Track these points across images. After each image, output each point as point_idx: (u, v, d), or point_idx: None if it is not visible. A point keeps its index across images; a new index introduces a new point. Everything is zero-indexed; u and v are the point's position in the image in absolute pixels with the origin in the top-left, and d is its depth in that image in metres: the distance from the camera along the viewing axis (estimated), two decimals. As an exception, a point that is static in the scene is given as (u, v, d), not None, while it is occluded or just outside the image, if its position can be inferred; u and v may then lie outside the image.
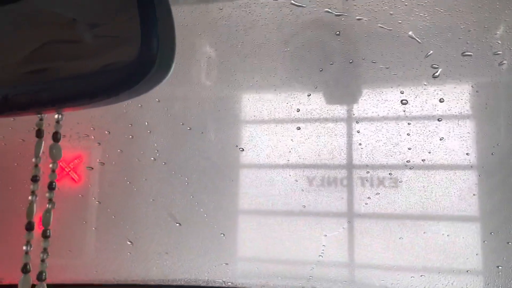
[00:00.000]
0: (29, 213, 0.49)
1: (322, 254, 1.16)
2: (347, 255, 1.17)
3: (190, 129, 1.17)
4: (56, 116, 0.51)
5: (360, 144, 1.06)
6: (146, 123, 1.22)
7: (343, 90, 1.05)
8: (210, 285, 1.20)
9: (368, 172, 1.08)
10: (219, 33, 1.10)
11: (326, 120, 1.10)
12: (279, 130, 1.14)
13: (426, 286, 1.11)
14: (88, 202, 1.32)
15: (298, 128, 1.07)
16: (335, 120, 1.09)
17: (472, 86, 1.02)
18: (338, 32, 0.95)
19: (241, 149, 1.15)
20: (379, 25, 0.92)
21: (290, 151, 1.14)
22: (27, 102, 0.43)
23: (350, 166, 1.12)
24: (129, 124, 1.21)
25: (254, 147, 1.19)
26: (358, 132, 1.06)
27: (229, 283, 1.17)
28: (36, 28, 0.45)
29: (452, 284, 1.10)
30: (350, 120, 1.08)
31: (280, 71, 1.09)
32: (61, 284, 1.24)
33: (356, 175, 1.11)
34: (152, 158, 1.21)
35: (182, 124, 1.20)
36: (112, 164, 1.27)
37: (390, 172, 1.07)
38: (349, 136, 1.08)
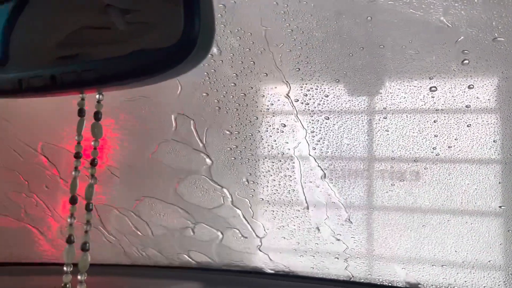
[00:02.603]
0: (73, 187, 0.52)
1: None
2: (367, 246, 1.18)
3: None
4: (97, 96, 0.53)
5: (387, 131, 1.06)
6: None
7: (371, 76, 1.05)
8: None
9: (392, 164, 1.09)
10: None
11: (349, 109, 1.11)
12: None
13: (449, 277, 1.12)
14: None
15: (327, 118, 1.08)
16: (359, 107, 1.09)
17: (502, 72, 1.00)
18: (369, 17, 0.95)
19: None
20: (411, 10, 0.91)
21: (318, 142, 1.15)
22: (74, 81, 0.45)
23: (371, 157, 1.12)
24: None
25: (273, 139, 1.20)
26: (385, 118, 1.06)
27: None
28: (77, 11, 0.48)
29: (473, 275, 1.10)
30: (374, 107, 1.08)
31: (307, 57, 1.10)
32: (102, 263, 1.29)
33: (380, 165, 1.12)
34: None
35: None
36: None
37: (415, 159, 1.07)
38: (374, 123, 1.08)
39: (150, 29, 0.43)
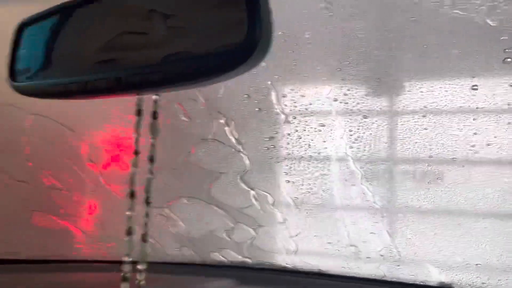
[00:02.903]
0: (132, 182, 0.56)
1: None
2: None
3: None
4: (154, 97, 0.57)
5: (425, 129, 1.07)
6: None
7: (412, 76, 1.06)
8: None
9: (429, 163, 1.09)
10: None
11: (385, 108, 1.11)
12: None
13: (483, 276, 1.11)
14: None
15: (365, 117, 1.10)
16: (398, 106, 1.10)
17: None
18: (414, 18, 0.97)
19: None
20: (455, 10, 0.92)
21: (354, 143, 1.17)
22: (139, 82, 0.49)
23: (408, 156, 1.13)
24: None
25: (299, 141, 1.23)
26: (424, 116, 1.07)
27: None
28: (144, 17, 0.51)
29: (508, 275, 1.09)
30: (414, 106, 1.08)
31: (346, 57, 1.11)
32: (159, 262, 1.34)
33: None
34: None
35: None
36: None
37: (453, 158, 1.08)
38: (413, 121, 1.09)
39: (213, 32, 0.46)
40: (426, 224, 1.16)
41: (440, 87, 1.05)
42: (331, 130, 1.16)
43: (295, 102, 1.17)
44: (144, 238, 0.53)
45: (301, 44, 1.11)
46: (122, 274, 0.54)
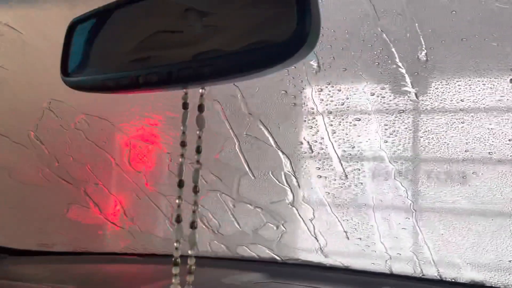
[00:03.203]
0: (180, 172, 0.58)
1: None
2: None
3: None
4: (200, 90, 0.59)
5: (462, 123, 1.07)
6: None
7: (449, 69, 1.06)
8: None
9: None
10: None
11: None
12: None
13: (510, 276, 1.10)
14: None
15: (401, 112, 1.10)
16: (435, 100, 1.09)
17: None
18: (454, 11, 0.97)
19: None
20: (496, 4, 0.92)
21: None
22: (189, 76, 0.51)
23: (442, 154, 1.12)
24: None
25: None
26: (461, 110, 1.07)
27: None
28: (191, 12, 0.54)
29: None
30: (451, 99, 1.08)
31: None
32: (167, 254, 1.37)
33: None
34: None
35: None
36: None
37: (490, 152, 1.07)
38: (450, 115, 1.08)
39: (263, 25, 0.47)
40: (459, 220, 1.15)
41: (478, 81, 1.05)
42: (366, 124, 1.17)
43: (331, 97, 1.18)
44: (192, 225, 0.56)
45: (339, 39, 1.12)
46: (173, 259, 0.56)
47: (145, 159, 1.52)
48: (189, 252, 0.55)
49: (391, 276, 1.26)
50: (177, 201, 0.57)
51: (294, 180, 1.31)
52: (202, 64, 0.51)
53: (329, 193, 1.28)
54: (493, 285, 1.14)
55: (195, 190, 0.56)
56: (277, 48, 0.46)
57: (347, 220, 1.27)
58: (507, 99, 1.03)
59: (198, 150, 0.58)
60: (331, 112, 1.22)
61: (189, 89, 0.59)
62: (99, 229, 1.55)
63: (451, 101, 1.09)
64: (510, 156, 1.09)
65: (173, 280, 0.56)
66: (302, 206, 1.31)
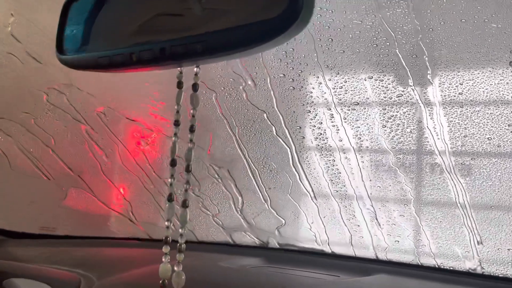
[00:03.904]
0: (173, 151, 0.58)
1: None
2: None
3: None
4: (195, 69, 0.59)
5: (461, 107, 1.05)
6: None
7: (447, 51, 1.04)
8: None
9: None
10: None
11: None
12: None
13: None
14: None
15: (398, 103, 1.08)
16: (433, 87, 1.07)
17: None
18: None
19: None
20: None
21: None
22: (183, 53, 0.51)
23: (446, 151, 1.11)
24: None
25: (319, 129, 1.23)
26: (461, 93, 1.04)
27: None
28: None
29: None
30: (450, 83, 1.06)
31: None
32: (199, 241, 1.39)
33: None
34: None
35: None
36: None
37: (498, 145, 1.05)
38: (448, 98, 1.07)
39: (256, 2, 0.47)
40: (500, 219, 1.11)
41: (477, 64, 1.02)
42: (366, 116, 1.15)
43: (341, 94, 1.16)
44: (184, 204, 0.56)
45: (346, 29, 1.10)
46: (164, 237, 0.56)
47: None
48: (180, 230, 0.55)
49: (392, 263, 1.26)
50: (169, 180, 0.57)
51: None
52: (195, 41, 0.50)
53: (331, 180, 1.28)
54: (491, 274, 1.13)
55: (188, 169, 0.56)
56: (269, 24, 0.45)
57: (352, 218, 1.27)
58: (507, 82, 1.01)
59: (192, 129, 0.57)
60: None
61: (183, 68, 0.59)
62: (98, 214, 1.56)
63: (450, 83, 1.06)
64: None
65: (163, 259, 0.56)
66: (303, 199, 1.31)
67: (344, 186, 1.25)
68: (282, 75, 1.23)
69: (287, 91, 1.25)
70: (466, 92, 1.06)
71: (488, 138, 1.07)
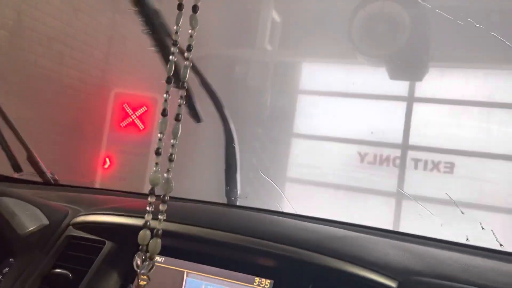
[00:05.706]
0: (169, 69, 0.60)
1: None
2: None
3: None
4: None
5: None
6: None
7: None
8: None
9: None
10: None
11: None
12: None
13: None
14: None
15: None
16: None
17: None
18: None
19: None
20: None
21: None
22: None
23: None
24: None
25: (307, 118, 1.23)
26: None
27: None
28: None
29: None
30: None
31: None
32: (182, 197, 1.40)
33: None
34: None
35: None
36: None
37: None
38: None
39: None
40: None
41: None
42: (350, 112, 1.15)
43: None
44: (177, 118, 0.59)
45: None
46: (155, 149, 0.59)
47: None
48: (172, 141, 0.58)
49: (367, 228, 1.26)
50: (164, 96, 0.60)
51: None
52: None
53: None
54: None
55: (182, 86, 0.59)
56: None
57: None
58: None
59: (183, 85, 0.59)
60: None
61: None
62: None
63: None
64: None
65: (154, 168, 0.58)
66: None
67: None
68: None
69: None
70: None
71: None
